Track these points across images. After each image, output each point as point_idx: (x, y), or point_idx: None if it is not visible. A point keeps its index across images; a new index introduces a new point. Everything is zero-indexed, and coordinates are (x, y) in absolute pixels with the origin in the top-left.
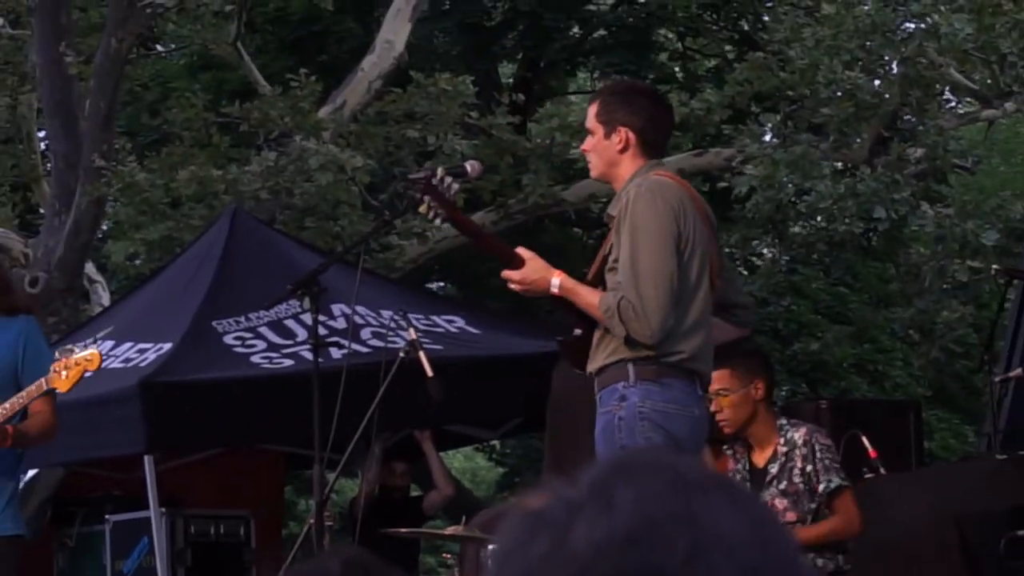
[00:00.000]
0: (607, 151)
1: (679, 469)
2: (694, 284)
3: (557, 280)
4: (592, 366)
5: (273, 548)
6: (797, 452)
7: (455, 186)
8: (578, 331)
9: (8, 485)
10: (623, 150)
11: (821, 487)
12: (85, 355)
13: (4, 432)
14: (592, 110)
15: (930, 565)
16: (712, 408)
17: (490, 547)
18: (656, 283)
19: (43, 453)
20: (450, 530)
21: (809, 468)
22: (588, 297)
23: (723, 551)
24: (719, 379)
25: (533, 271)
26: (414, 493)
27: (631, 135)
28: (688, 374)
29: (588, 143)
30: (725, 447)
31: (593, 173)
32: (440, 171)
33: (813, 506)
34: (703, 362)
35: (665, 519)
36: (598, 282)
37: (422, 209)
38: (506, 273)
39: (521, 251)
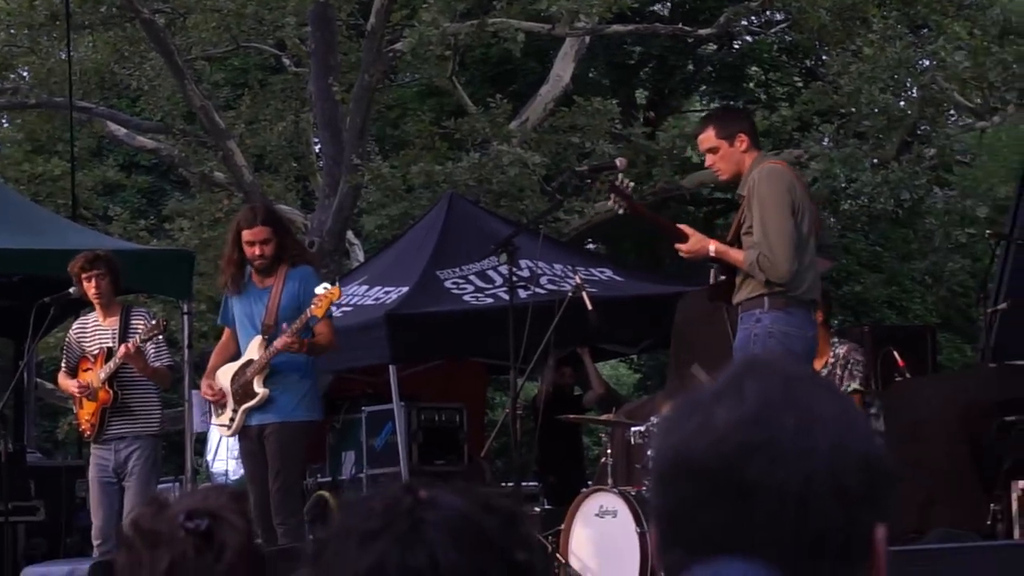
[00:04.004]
0: (733, 155)
1: (789, 369)
2: (805, 237)
3: (712, 247)
4: (736, 299)
5: (478, 431)
6: (838, 362)
7: (631, 184)
8: (723, 277)
9: (304, 383)
10: (745, 150)
11: (842, 388)
12: (331, 290)
13: (301, 343)
14: (710, 133)
15: (942, 444)
16: None
17: (654, 421)
18: (781, 239)
19: (323, 362)
20: (604, 417)
21: (841, 373)
22: (735, 255)
23: (820, 427)
24: None
25: (696, 242)
26: (576, 392)
27: (747, 137)
28: (807, 304)
29: (712, 158)
30: None
31: (723, 177)
32: (621, 176)
33: None
34: (816, 292)
35: (779, 404)
36: (735, 241)
37: (610, 204)
38: (678, 245)
39: (684, 228)
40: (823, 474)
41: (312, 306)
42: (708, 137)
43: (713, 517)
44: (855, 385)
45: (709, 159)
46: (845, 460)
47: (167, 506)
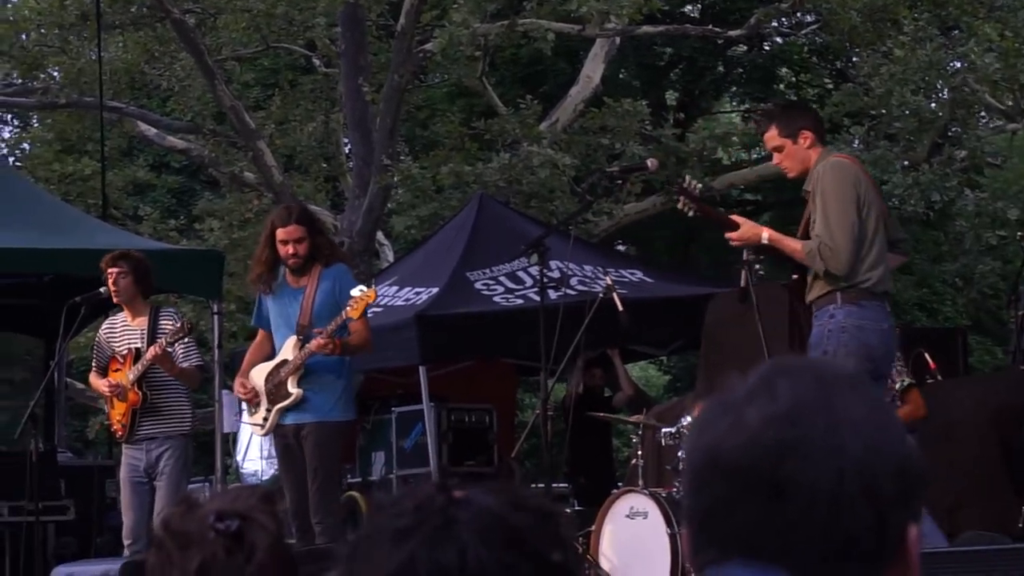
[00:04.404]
0: (798, 152)
1: (821, 370)
2: (873, 231)
3: (766, 234)
4: (809, 298)
5: (508, 432)
6: None
7: (699, 186)
8: (795, 276)
9: (339, 383)
10: (810, 146)
11: (897, 385)
12: (367, 292)
13: (335, 344)
14: (773, 132)
15: (973, 446)
16: None
17: (685, 423)
18: (843, 230)
19: (354, 362)
20: (634, 418)
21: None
22: (791, 244)
23: (851, 428)
24: None
25: (748, 230)
26: (606, 394)
27: (811, 133)
28: (880, 296)
29: (779, 157)
30: None
31: (791, 174)
32: (689, 178)
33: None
34: (888, 284)
35: (810, 404)
36: (805, 238)
37: (679, 205)
38: (728, 234)
39: (735, 218)
40: (853, 473)
41: (347, 307)
42: (772, 136)
43: (746, 516)
44: (908, 379)
45: (776, 158)
46: (876, 460)
47: (197, 506)
